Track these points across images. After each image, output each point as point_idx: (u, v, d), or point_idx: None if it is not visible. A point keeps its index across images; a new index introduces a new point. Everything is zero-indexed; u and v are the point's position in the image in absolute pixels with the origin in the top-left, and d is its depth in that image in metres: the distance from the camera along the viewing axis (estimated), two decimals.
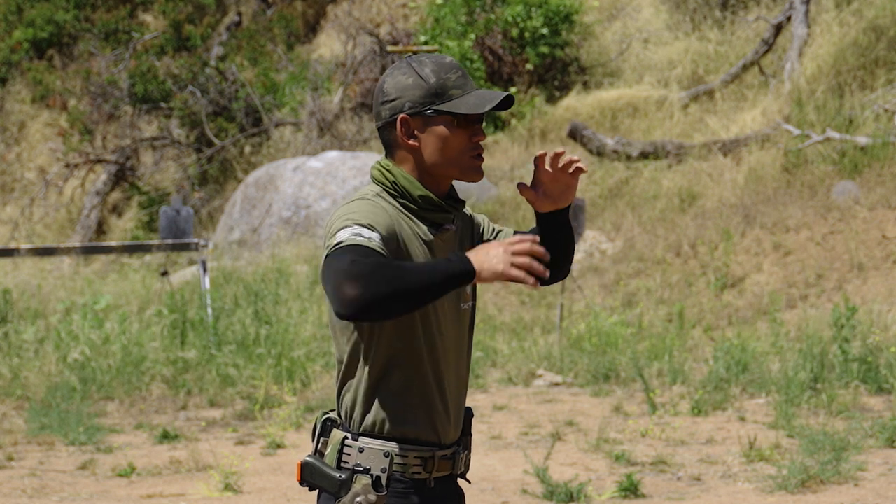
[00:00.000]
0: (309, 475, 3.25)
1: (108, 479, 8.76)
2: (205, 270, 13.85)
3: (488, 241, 3.40)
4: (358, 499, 3.16)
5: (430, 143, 3.19)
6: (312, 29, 24.26)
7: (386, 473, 3.18)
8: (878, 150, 16.08)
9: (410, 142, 3.19)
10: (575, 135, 18.78)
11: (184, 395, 11.41)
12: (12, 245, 19.06)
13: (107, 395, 11.39)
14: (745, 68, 19.53)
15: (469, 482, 3.47)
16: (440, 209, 3.21)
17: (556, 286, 14.85)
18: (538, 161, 3.26)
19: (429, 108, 3.17)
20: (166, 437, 9.88)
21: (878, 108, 17.07)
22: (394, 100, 3.19)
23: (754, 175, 16.71)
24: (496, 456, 9.17)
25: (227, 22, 24.20)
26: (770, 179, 16.52)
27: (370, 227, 3.04)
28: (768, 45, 19.51)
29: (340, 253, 2.96)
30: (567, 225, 3.36)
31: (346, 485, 3.19)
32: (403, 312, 2.94)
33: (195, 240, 14.47)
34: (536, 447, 9.31)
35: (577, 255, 16.01)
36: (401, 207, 3.20)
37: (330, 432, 3.24)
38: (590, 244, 16.28)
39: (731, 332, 13.26)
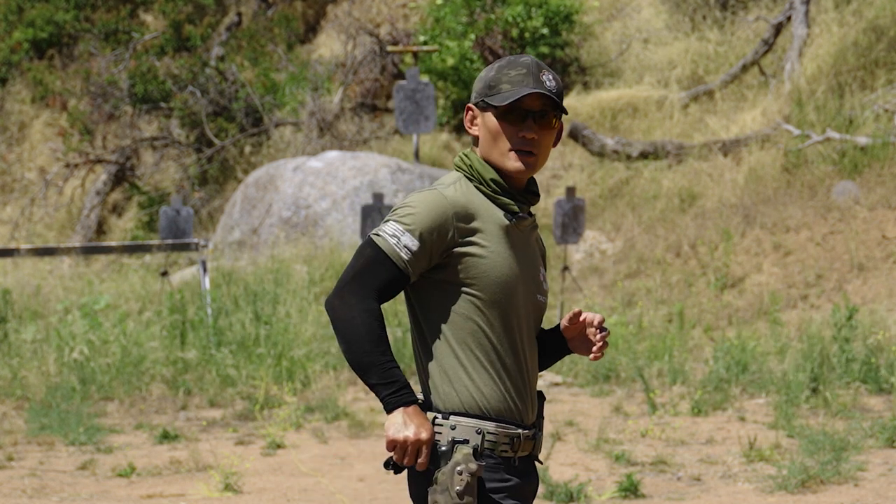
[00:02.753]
0: None
1: (108, 479, 8.76)
2: (205, 271, 13.85)
3: None
4: (459, 467, 3.31)
5: (483, 132, 3.43)
6: (312, 29, 24.25)
7: (477, 450, 3.35)
8: (878, 150, 16.07)
9: (472, 129, 3.46)
10: (575, 135, 18.77)
11: (184, 395, 11.40)
12: (12, 245, 19.06)
13: (107, 395, 11.39)
14: (745, 68, 19.52)
15: (541, 463, 3.57)
16: (509, 195, 3.42)
17: (556, 286, 14.85)
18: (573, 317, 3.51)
19: (481, 100, 3.42)
20: (166, 437, 9.88)
21: (878, 108, 17.07)
22: (472, 92, 3.49)
23: (754, 175, 16.70)
24: None
25: (227, 22, 24.19)
26: (770, 179, 16.51)
27: (413, 233, 3.33)
28: (768, 45, 19.51)
29: (370, 245, 3.33)
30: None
31: (446, 455, 3.34)
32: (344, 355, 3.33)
33: (195, 240, 14.47)
34: None
35: (578, 255, 16.01)
36: (476, 191, 3.42)
37: (432, 413, 3.41)
38: (590, 244, 16.27)
39: (731, 332, 13.25)
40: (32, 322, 13.17)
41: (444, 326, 3.38)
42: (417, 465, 3.30)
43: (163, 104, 21.83)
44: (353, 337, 3.28)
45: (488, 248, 3.36)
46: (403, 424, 3.29)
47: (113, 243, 17.10)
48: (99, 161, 21.71)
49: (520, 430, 3.39)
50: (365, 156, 17.85)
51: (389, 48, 20.24)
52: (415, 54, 18.88)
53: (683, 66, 20.21)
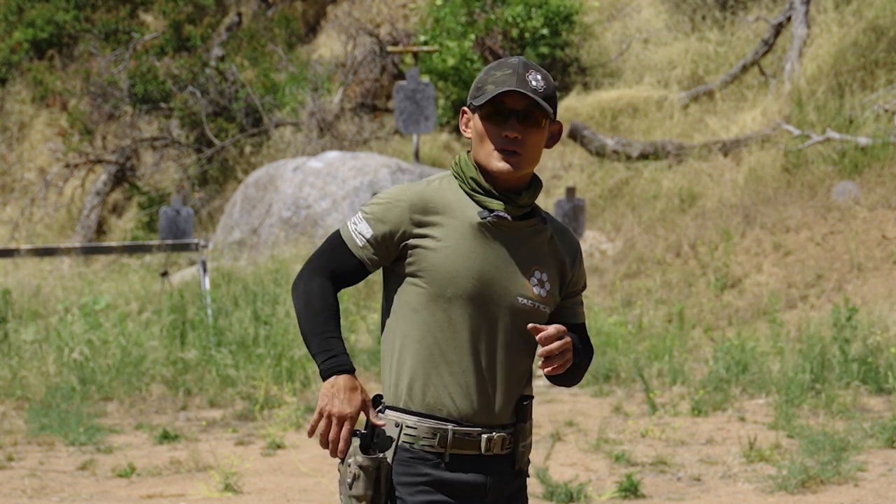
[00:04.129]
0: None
1: (108, 480, 8.76)
2: (205, 271, 13.86)
3: (563, 301, 3.56)
4: (349, 460, 3.33)
5: (472, 133, 3.45)
6: (312, 29, 24.26)
7: (395, 442, 3.34)
8: (878, 150, 16.08)
9: (466, 132, 3.48)
10: (575, 135, 18.78)
11: (184, 396, 11.40)
12: (12, 245, 19.06)
13: (107, 395, 11.39)
14: (744, 68, 19.53)
15: (519, 471, 3.49)
16: (489, 194, 3.40)
17: None
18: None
19: (470, 103, 3.44)
20: (166, 437, 9.88)
21: (878, 108, 17.07)
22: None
23: (754, 175, 16.71)
24: None
25: (227, 22, 24.20)
26: (770, 180, 16.52)
27: (369, 221, 3.37)
28: (768, 46, 19.51)
29: (334, 235, 3.41)
30: (577, 368, 3.49)
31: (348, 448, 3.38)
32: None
33: (195, 240, 14.47)
34: (536, 447, 9.32)
35: None
36: (458, 189, 3.43)
37: (377, 406, 3.43)
38: (590, 244, 16.28)
39: (731, 332, 13.25)
40: (32, 322, 13.17)
41: (396, 318, 3.38)
42: (331, 442, 3.28)
43: (163, 104, 21.83)
44: (298, 310, 3.33)
45: (443, 243, 3.34)
46: (330, 395, 3.29)
47: (113, 243, 17.10)
48: (99, 161, 21.72)
49: (448, 426, 3.34)
50: (365, 156, 17.85)
51: (389, 48, 20.25)
52: (415, 54, 18.88)
53: (683, 66, 20.22)
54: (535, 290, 3.42)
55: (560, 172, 18.76)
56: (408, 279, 3.36)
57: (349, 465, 3.31)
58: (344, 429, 3.28)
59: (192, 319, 12.70)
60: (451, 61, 20.10)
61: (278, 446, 9.52)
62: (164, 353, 12.04)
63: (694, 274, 15.05)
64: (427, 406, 3.34)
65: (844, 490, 8.02)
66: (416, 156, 18.19)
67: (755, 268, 14.85)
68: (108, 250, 15.48)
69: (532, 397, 3.50)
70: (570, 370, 3.47)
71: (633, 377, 11.52)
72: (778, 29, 19.46)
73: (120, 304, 14.04)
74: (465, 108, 3.46)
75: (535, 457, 8.71)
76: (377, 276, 11.84)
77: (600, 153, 18.45)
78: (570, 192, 14.62)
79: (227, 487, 8.28)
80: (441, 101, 20.38)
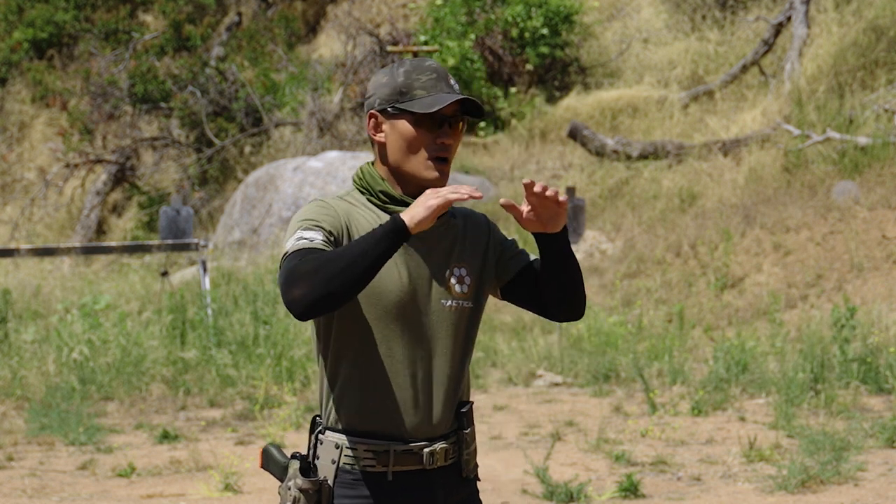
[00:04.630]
0: (265, 462, 3.39)
1: (108, 479, 8.76)
2: (205, 270, 13.86)
3: (504, 260, 3.43)
4: (290, 483, 3.27)
5: (394, 139, 3.30)
6: (312, 29, 24.26)
7: (336, 464, 3.27)
8: (878, 150, 16.08)
9: (377, 137, 3.32)
10: (575, 135, 18.77)
11: (184, 395, 11.40)
12: (12, 245, 19.06)
13: (106, 395, 11.39)
14: (744, 68, 19.53)
15: (466, 478, 3.41)
16: (403, 204, 3.30)
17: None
18: (526, 186, 3.26)
19: (391, 106, 3.28)
20: (166, 437, 9.88)
21: (878, 108, 17.07)
22: (370, 97, 3.35)
23: (754, 175, 16.71)
24: (496, 456, 9.17)
25: (227, 22, 24.20)
26: (770, 179, 16.52)
27: (313, 228, 3.20)
28: (768, 46, 19.51)
29: (286, 262, 3.14)
30: (569, 256, 3.33)
31: (286, 470, 3.31)
32: (351, 290, 3.07)
33: (195, 240, 14.47)
34: (536, 447, 9.31)
35: (578, 256, 16.01)
36: (367, 203, 3.32)
37: (315, 429, 3.36)
38: (590, 244, 16.27)
39: (731, 332, 13.26)
40: (32, 322, 13.17)
41: (326, 339, 3.29)
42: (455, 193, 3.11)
43: (163, 104, 21.83)
44: (326, 271, 3.05)
45: None
46: (414, 205, 3.11)
47: (113, 243, 17.10)
48: (99, 161, 21.71)
49: (390, 445, 3.26)
50: (365, 156, 17.85)
51: (389, 48, 20.25)
52: (415, 54, 18.88)
53: (683, 66, 20.22)
54: (457, 288, 3.34)
55: (560, 172, 18.76)
56: None
57: (289, 489, 3.26)
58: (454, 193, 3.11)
59: (192, 319, 12.70)
60: (451, 61, 20.10)
61: (279, 446, 9.52)
62: (164, 353, 12.04)
63: (694, 274, 15.05)
64: (365, 426, 3.27)
65: (844, 490, 8.02)
66: None
67: (755, 268, 14.85)
68: (108, 250, 15.48)
69: (471, 402, 3.43)
70: (569, 261, 3.32)
71: (633, 377, 11.52)
72: (778, 29, 19.46)
73: (120, 304, 14.04)
74: (376, 112, 3.31)
75: (536, 456, 8.71)
76: None
77: (600, 153, 18.44)
78: (570, 191, 14.62)
79: (227, 487, 8.28)
80: None
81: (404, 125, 3.28)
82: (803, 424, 9.59)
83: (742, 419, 10.19)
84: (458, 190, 3.11)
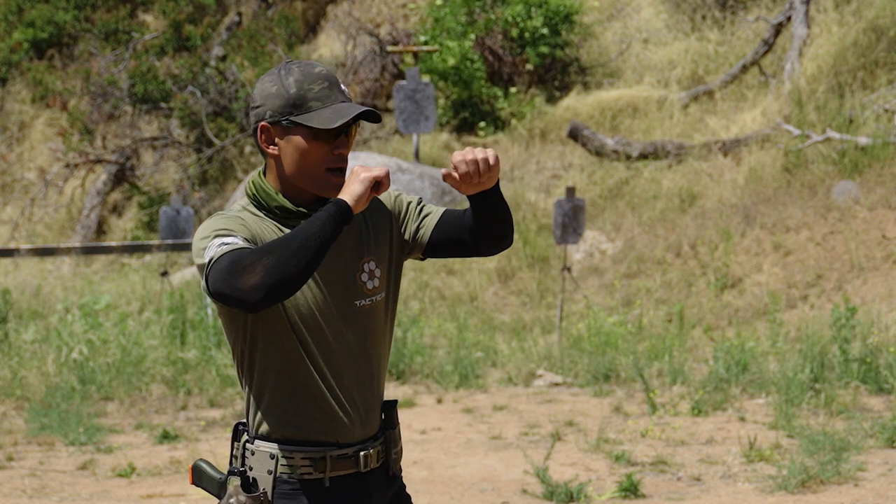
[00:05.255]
0: (197, 478, 3.34)
1: (108, 479, 8.76)
2: None
3: (415, 225, 3.39)
4: (231, 500, 3.22)
5: (289, 153, 3.21)
6: (312, 29, 24.25)
7: (273, 475, 3.23)
8: (878, 150, 16.07)
9: (270, 150, 3.23)
10: (575, 135, 18.77)
11: (184, 395, 11.40)
12: (12, 245, 19.06)
13: (107, 395, 11.39)
14: (744, 68, 19.53)
15: (393, 477, 3.39)
16: (302, 217, 3.23)
17: (556, 286, 14.85)
18: (454, 171, 3.23)
19: (285, 119, 3.19)
20: (166, 437, 9.88)
21: (878, 108, 17.06)
22: (258, 107, 3.24)
23: (754, 175, 16.70)
24: (496, 456, 9.16)
25: (228, 22, 24.19)
26: (770, 179, 16.51)
27: (229, 235, 3.12)
28: (768, 46, 19.51)
29: (218, 262, 3.04)
30: (499, 202, 3.29)
31: (223, 486, 3.26)
32: (305, 272, 3.02)
33: None
34: (536, 447, 9.31)
35: (578, 255, 16.01)
36: (266, 217, 3.25)
37: (241, 437, 3.31)
38: (590, 244, 16.27)
39: (731, 332, 13.25)
40: (32, 322, 13.17)
41: (245, 349, 3.25)
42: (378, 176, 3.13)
43: (163, 104, 21.83)
44: (275, 258, 3.00)
45: None
46: (347, 184, 3.12)
47: (113, 243, 17.10)
48: (99, 161, 21.71)
49: (326, 451, 3.24)
50: (365, 156, 17.85)
51: (389, 48, 20.24)
52: (415, 54, 18.88)
53: (683, 66, 20.21)
54: (369, 284, 3.30)
55: (560, 172, 18.76)
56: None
57: None
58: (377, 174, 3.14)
59: (192, 319, 12.70)
60: (451, 61, 20.10)
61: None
62: (164, 353, 12.04)
63: (694, 274, 15.05)
64: (299, 434, 3.24)
65: (844, 490, 8.02)
66: (416, 155, 18.18)
67: (755, 268, 14.85)
68: (108, 250, 15.48)
69: (396, 402, 3.41)
70: (502, 204, 3.29)
71: (633, 377, 11.52)
72: (778, 29, 19.45)
73: (120, 304, 14.04)
74: (267, 125, 3.21)
75: (536, 456, 8.71)
76: None
77: (600, 153, 18.44)
78: (570, 191, 14.60)
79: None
80: (441, 101, 20.37)
81: (299, 139, 3.20)
82: (803, 424, 9.59)
83: (742, 419, 10.19)
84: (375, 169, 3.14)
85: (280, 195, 3.24)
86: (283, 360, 3.23)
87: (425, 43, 20.60)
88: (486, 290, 15.41)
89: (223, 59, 22.73)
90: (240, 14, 24.40)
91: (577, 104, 19.96)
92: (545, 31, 20.73)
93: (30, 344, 12.34)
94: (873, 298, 13.34)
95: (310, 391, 3.24)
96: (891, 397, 10.71)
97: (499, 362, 12.64)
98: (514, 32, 20.81)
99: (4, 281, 15.40)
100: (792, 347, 11.88)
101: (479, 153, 3.19)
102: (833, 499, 7.85)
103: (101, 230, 21.49)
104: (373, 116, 3.27)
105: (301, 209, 3.24)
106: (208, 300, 13.01)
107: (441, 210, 3.40)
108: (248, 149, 21.14)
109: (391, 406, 3.40)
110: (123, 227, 21.34)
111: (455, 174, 3.20)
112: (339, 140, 3.23)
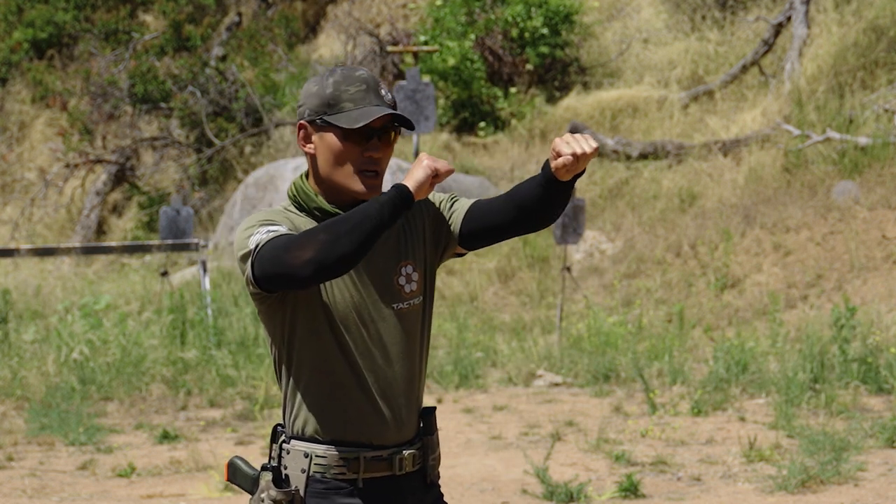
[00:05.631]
0: (232, 474, 3.36)
1: (108, 479, 8.76)
2: (205, 271, 13.86)
3: (444, 223, 3.40)
4: (262, 495, 3.25)
5: (322, 152, 3.26)
6: (312, 29, 24.25)
7: (306, 473, 3.25)
8: (878, 150, 16.07)
9: (307, 148, 3.29)
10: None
11: (184, 395, 11.40)
12: (12, 245, 19.06)
13: (107, 395, 11.39)
14: (744, 68, 19.53)
15: (431, 484, 3.40)
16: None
17: (556, 286, 14.85)
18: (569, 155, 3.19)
19: (319, 118, 3.24)
20: (166, 437, 9.88)
21: (878, 108, 17.07)
22: (300, 106, 3.30)
23: (754, 175, 16.71)
24: (496, 456, 9.16)
25: (227, 22, 24.19)
26: (770, 179, 16.51)
27: (275, 224, 3.16)
28: (768, 46, 19.51)
29: (264, 248, 3.09)
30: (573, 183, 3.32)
31: (256, 482, 3.28)
32: (358, 252, 3.04)
33: (195, 240, 14.47)
34: (536, 447, 9.31)
35: (578, 255, 16.02)
36: (307, 219, 3.28)
37: (278, 438, 3.34)
38: (590, 244, 16.27)
39: (731, 332, 13.25)
40: (32, 322, 13.17)
41: (284, 348, 3.27)
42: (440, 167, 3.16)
43: (163, 104, 21.83)
44: (330, 235, 3.05)
45: None
46: (411, 171, 3.14)
47: (113, 243, 17.10)
48: (99, 161, 21.71)
49: (360, 452, 3.25)
50: None
51: (389, 48, 20.24)
52: (415, 54, 18.88)
53: (683, 66, 20.21)
54: (406, 288, 3.32)
55: None
56: (289, 307, 3.23)
57: (262, 500, 3.24)
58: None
59: (192, 319, 12.70)
60: (451, 61, 20.10)
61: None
62: (164, 353, 12.04)
63: (694, 274, 15.05)
64: (333, 434, 3.25)
65: (844, 490, 8.02)
66: (416, 155, 18.18)
67: (755, 268, 14.85)
68: (108, 250, 15.48)
69: (434, 408, 3.43)
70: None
71: (633, 377, 11.52)
72: (778, 29, 19.46)
73: (120, 304, 14.05)
74: (305, 123, 3.27)
75: (536, 456, 8.71)
76: None
77: (600, 153, 18.44)
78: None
79: (227, 487, 8.28)
80: (441, 101, 20.38)
81: (332, 138, 3.24)
82: (803, 424, 9.59)
83: (742, 419, 10.19)
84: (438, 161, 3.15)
85: (319, 197, 3.28)
86: (319, 359, 3.25)
87: (425, 43, 20.60)
88: (486, 290, 15.41)
89: (223, 59, 22.73)
90: (240, 14, 24.40)
91: (577, 104, 19.97)
92: (545, 31, 20.73)
93: (30, 344, 12.34)
94: (873, 298, 13.34)
95: (345, 391, 3.26)
96: (891, 397, 10.71)
97: (499, 362, 12.64)
98: (514, 32, 20.81)
99: (4, 281, 15.41)
100: (792, 347, 11.88)
101: (585, 146, 3.18)
102: (833, 499, 7.85)
103: (101, 230, 21.49)
104: (404, 122, 3.28)
105: (339, 211, 3.26)
106: (209, 300, 13.01)
107: (469, 202, 3.41)
108: (248, 149, 21.14)
109: (430, 412, 3.41)
110: (123, 227, 21.34)
111: (559, 162, 3.19)
112: (370, 143, 3.25)
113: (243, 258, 3.16)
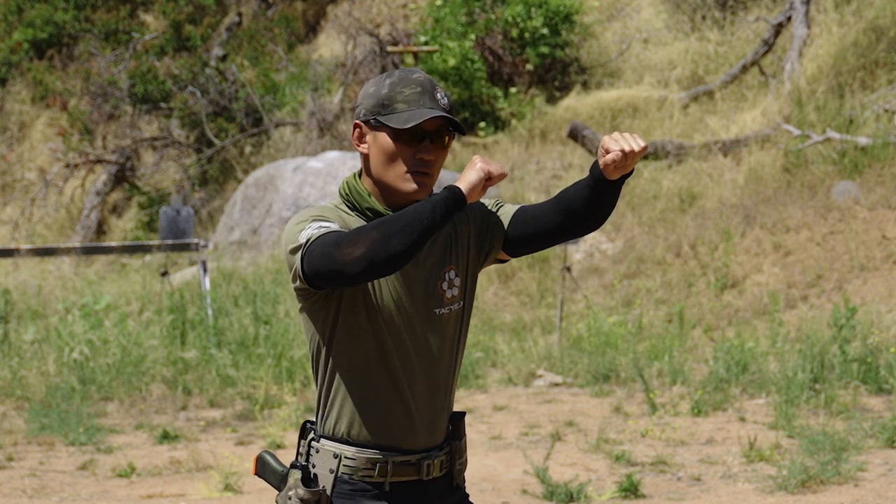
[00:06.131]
0: (261, 469, 3.37)
1: (108, 480, 8.76)
2: (205, 271, 13.86)
3: (487, 229, 3.41)
4: (290, 493, 3.26)
5: (375, 152, 3.27)
6: (312, 29, 24.26)
7: (334, 474, 3.26)
8: (878, 150, 16.07)
9: (361, 147, 3.30)
10: (575, 135, 18.78)
11: (184, 396, 11.40)
12: (12, 245, 19.07)
13: (107, 395, 11.39)
14: (744, 69, 19.53)
15: (456, 487, 3.42)
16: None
17: (556, 286, 14.85)
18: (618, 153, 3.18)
19: (374, 118, 3.26)
20: (166, 437, 9.88)
21: (878, 108, 17.07)
22: (357, 106, 3.32)
23: (754, 175, 16.71)
24: (496, 456, 9.17)
25: (228, 22, 24.20)
26: (770, 180, 16.51)
27: (326, 220, 3.17)
28: (768, 46, 19.51)
29: (314, 243, 3.10)
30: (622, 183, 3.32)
31: (284, 479, 3.30)
32: (409, 251, 3.04)
33: (195, 240, 14.47)
34: (536, 447, 9.31)
35: (578, 255, 16.02)
36: (358, 218, 3.29)
37: (308, 435, 3.34)
38: (590, 244, 16.27)
39: (731, 332, 13.25)
40: (32, 322, 13.18)
41: (322, 346, 3.27)
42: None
43: (163, 104, 21.83)
44: (381, 233, 3.04)
45: None
46: (464, 174, 3.14)
47: (113, 243, 17.10)
48: (99, 161, 21.71)
49: (389, 456, 3.26)
50: None
51: (389, 48, 20.25)
52: (415, 54, 18.88)
53: (683, 66, 20.21)
54: (448, 293, 3.32)
55: (560, 172, 18.76)
56: (333, 306, 3.24)
57: (289, 498, 3.26)
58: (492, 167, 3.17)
59: (192, 319, 12.70)
60: (451, 61, 20.10)
61: (278, 446, 9.52)
62: (164, 353, 12.04)
63: (694, 274, 15.05)
64: (364, 436, 3.26)
65: (844, 490, 8.02)
66: None
67: (755, 268, 14.85)
68: (108, 250, 15.48)
69: (464, 413, 3.43)
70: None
71: (633, 377, 11.52)
72: (778, 29, 19.46)
73: (120, 304, 14.05)
74: (360, 123, 3.29)
75: (536, 456, 8.71)
76: None
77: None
78: None
79: (227, 487, 8.28)
80: None
81: (384, 138, 3.25)
82: (803, 424, 9.59)
83: (742, 419, 10.19)
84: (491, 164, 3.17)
85: (372, 198, 3.28)
86: (357, 360, 3.25)
87: (425, 43, 20.60)
88: (486, 290, 15.41)
89: (223, 59, 22.73)
90: (240, 14, 24.40)
91: (577, 104, 19.97)
92: (545, 31, 20.73)
93: (30, 344, 12.34)
94: (873, 298, 13.34)
95: (379, 394, 3.26)
96: (891, 397, 10.71)
97: (499, 362, 12.64)
98: (514, 32, 20.81)
99: (4, 281, 15.41)
100: (792, 347, 11.88)
101: (633, 144, 3.17)
102: (833, 499, 7.85)
103: (101, 230, 21.49)
104: (454, 125, 3.28)
105: (390, 212, 3.26)
106: (209, 300, 13.00)
107: (514, 207, 3.41)
108: (248, 149, 21.15)
109: (459, 417, 3.41)
110: (123, 228, 21.35)
111: (608, 158, 3.18)
112: (422, 145, 3.25)
113: (293, 252, 3.16)
